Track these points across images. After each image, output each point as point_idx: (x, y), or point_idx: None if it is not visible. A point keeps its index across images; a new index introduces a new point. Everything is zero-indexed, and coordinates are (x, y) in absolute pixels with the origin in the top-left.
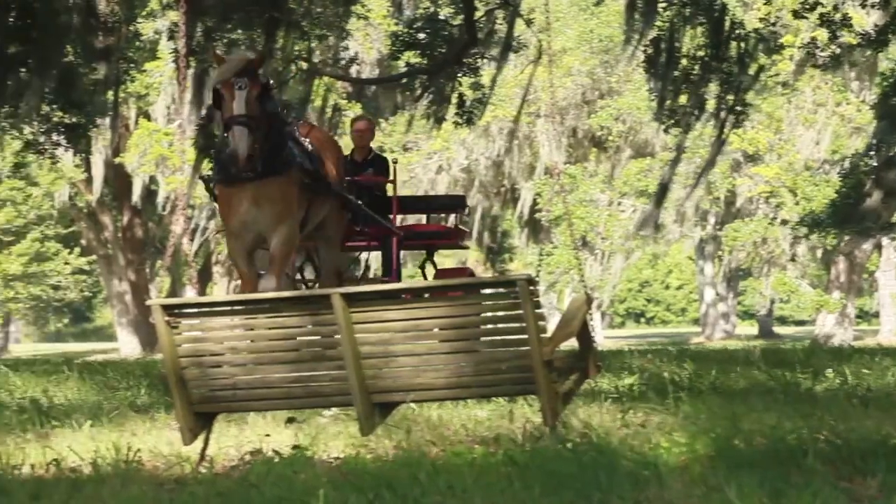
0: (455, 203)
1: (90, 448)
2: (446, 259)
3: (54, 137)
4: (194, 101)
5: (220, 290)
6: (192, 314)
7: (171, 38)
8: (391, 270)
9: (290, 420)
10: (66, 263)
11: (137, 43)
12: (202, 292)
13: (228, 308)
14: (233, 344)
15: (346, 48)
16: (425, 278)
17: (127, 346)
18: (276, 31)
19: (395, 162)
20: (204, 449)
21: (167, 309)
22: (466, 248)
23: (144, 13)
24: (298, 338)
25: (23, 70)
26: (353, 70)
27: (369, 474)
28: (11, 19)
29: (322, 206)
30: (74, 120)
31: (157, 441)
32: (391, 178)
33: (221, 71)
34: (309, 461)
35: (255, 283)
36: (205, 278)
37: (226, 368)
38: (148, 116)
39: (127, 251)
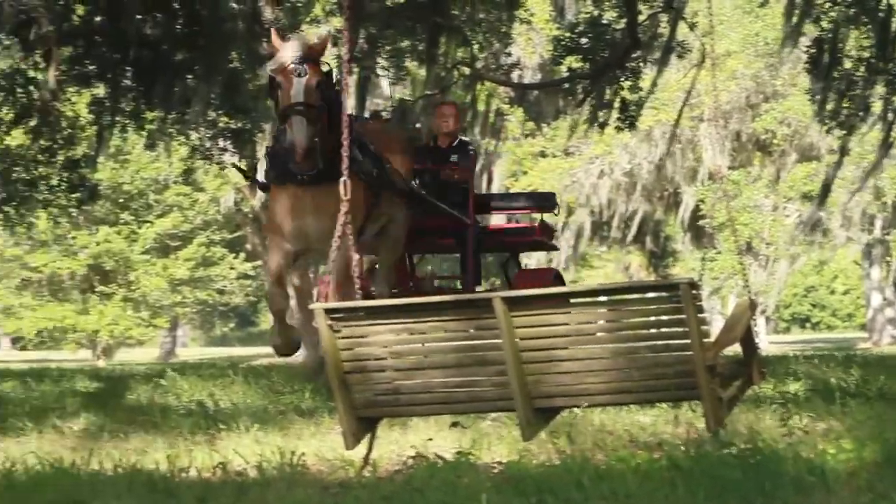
0: (543, 201)
1: (256, 451)
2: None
3: (220, 143)
4: (357, 107)
5: None
6: (354, 318)
7: (334, 44)
8: (467, 270)
9: (454, 424)
10: (232, 268)
11: None
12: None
13: (390, 312)
14: (395, 348)
15: (509, 53)
16: (507, 280)
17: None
18: (438, 36)
19: (471, 147)
20: (368, 453)
21: (330, 313)
22: (554, 248)
23: (308, 19)
24: (460, 342)
25: (190, 77)
26: (515, 75)
27: (532, 479)
28: (179, 27)
29: (384, 209)
30: (240, 125)
31: (322, 445)
32: (473, 167)
33: (279, 56)
34: (472, 465)
35: (282, 283)
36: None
37: (388, 373)
38: None
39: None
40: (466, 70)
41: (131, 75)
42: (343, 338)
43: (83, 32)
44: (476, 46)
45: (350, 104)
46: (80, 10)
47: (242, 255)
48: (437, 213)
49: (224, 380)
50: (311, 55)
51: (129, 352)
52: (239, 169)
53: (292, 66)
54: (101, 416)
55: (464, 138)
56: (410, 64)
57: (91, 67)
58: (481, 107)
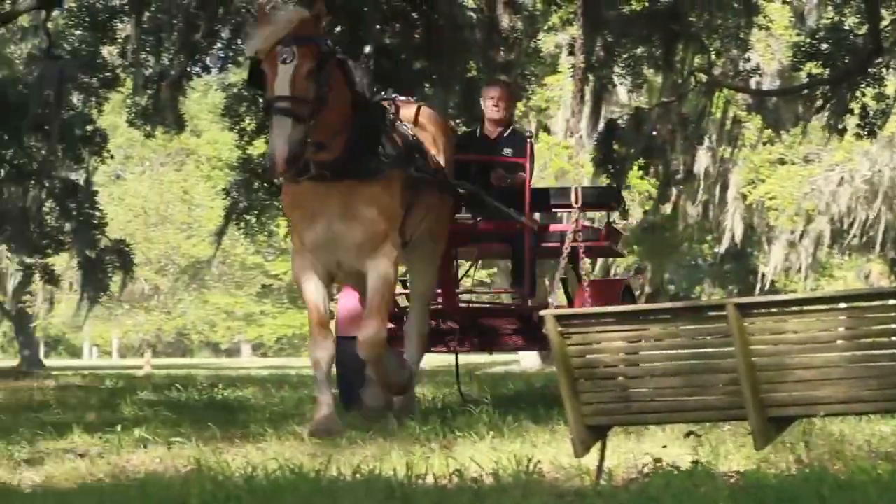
0: (606, 197)
1: (491, 458)
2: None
3: None
4: (592, 115)
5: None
6: (585, 324)
7: (570, 52)
8: (523, 278)
9: (689, 433)
10: (467, 275)
11: (538, 57)
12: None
13: (622, 318)
14: (625, 355)
15: (747, 59)
16: (566, 292)
17: (527, 358)
18: (675, 43)
19: (529, 136)
20: (601, 462)
21: (560, 319)
22: (620, 254)
23: (545, 28)
24: (691, 349)
25: (427, 85)
26: (753, 82)
27: (770, 489)
28: (417, 36)
29: (425, 210)
30: None
31: (558, 452)
32: (531, 164)
33: (262, 36)
34: (708, 474)
35: (325, 321)
36: None
37: (618, 380)
38: (548, 130)
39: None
40: (703, 77)
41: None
42: (573, 344)
43: None
44: (713, 53)
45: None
46: None
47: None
48: (488, 214)
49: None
50: (301, 34)
51: None
52: (252, 171)
53: (276, 49)
54: (344, 417)
55: (517, 126)
56: (647, 71)
57: None
58: (718, 114)
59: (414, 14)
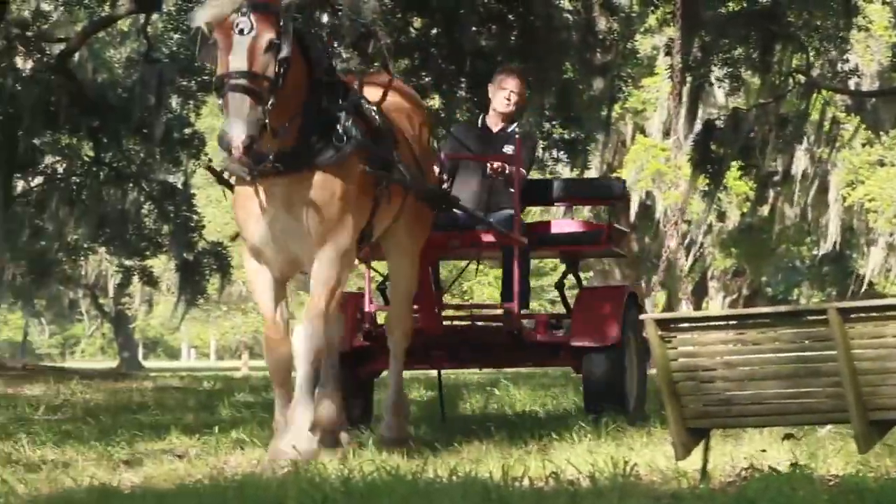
0: (608, 190)
1: (588, 461)
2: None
3: (554, 153)
4: (689, 116)
5: (716, 305)
6: (685, 328)
7: (667, 53)
8: (511, 293)
9: (788, 436)
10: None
11: (635, 59)
12: (697, 307)
13: (722, 322)
14: (726, 358)
15: (846, 60)
16: (564, 299)
17: None
18: (773, 44)
19: (518, 133)
20: (705, 464)
21: (660, 323)
22: (623, 255)
23: (642, 29)
24: (793, 353)
25: None
26: (852, 83)
27: (870, 492)
28: (513, 38)
29: (393, 206)
30: (573, 135)
31: (654, 455)
32: (528, 162)
33: (214, 3)
34: (807, 478)
35: (281, 329)
36: (700, 293)
37: (719, 383)
38: (644, 132)
39: (623, 266)
40: (802, 78)
41: (466, 86)
42: (673, 348)
43: (420, 45)
44: (811, 54)
45: (682, 113)
46: (417, 22)
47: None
48: (471, 225)
49: (556, 389)
50: (259, 1)
51: None
52: (209, 168)
53: (232, 16)
54: (434, 424)
55: (521, 125)
56: (745, 72)
57: (427, 79)
58: (815, 115)
59: (510, 16)
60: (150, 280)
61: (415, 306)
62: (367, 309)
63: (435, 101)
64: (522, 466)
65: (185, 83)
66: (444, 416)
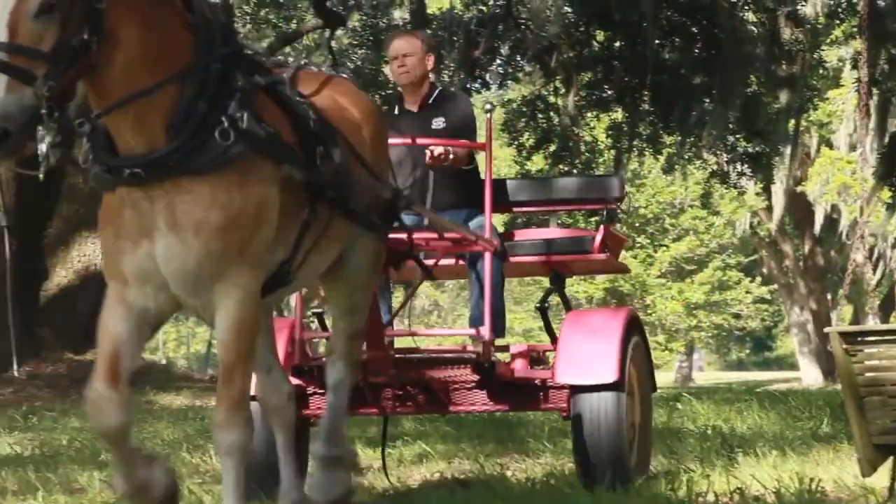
0: (601, 189)
1: (773, 477)
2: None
3: (738, 167)
4: (877, 129)
5: None
6: (871, 342)
7: (854, 66)
8: (481, 315)
9: None
10: (748, 292)
11: (821, 71)
12: (885, 321)
13: None
14: None
15: None
16: (548, 325)
17: (809, 375)
18: None
19: (489, 110)
20: (892, 482)
21: (845, 336)
22: (623, 269)
23: (828, 41)
24: None
25: (707, 100)
26: None
27: None
28: (697, 50)
29: (333, 230)
30: (758, 149)
31: (841, 472)
32: (478, 138)
33: None
34: None
35: (117, 375)
36: (888, 308)
37: None
38: (830, 145)
39: (808, 280)
40: None
41: (649, 99)
42: (859, 362)
43: (602, 58)
44: None
45: (869, 126)
46: (599, 36)
47: (759, 279)
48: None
49: (740, 404)
50: None
51: None
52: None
53: None
54: None
55: (445, 90)
56: None
57: (609, 92)
58: None
59: (694, 28)
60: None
61: None
62: (298, 336)
63: (618, 115)
64: (706, 482)
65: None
66: (387, 473)
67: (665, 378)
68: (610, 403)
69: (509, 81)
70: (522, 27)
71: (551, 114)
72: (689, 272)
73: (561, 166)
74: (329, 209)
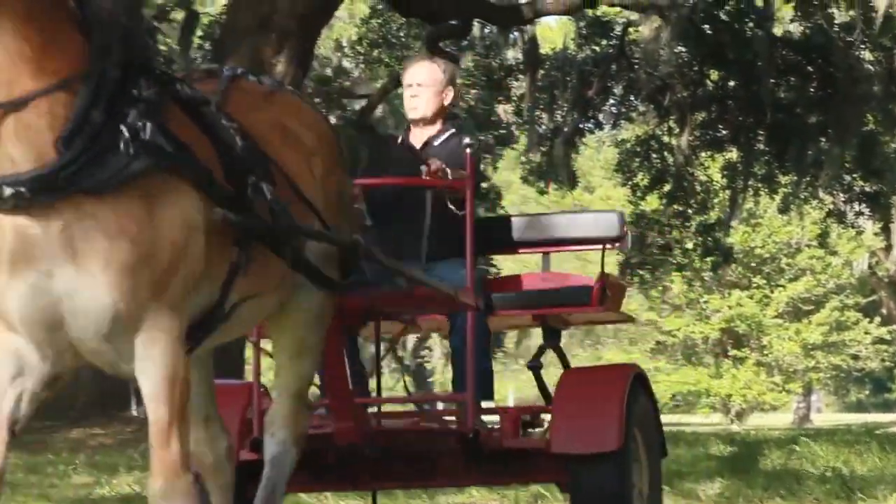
0: (598, 228)
1: None
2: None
3: (855, 206)
4: None
5: None
6: None
7: None
8: (463, 381)
9: None
10: (867, 333)
11: None
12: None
13: None
14: None
15: None
16: (542, 385)
17: None
18: None
19: (472, 145)
20: None
21: None
22: (629, 319)
23: None
24: None
25: (822, 139)
26: None
27: None
28: (812, 89)
29: (267, 278)
30: (875, 188)
31: None
32: (470, 179)
33: None
34: None
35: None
36: None
37: None
38: None
39: None
40: None
41: (764, 139)
42: None
43: (716, 97)
44: None
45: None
46: (713, 75)
47: (877, 319)
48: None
49: (860, 446)
50: None
51: (763, 416)
52: None
53: None
54: (735, 480)
55: (458, 127)
56: None
57: (724, 132)
58: None
59: (809, 67)
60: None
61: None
62: (255, 406)
63: (733, 154)
64: None
65: (482, 137)
66: None
67: (782, 419)
68: (613, 474)
69: (623, 121)
70: (636, 66)
71: (665, 153)
72: (806, 312)
73: (676, 206)
74: (266, 252)
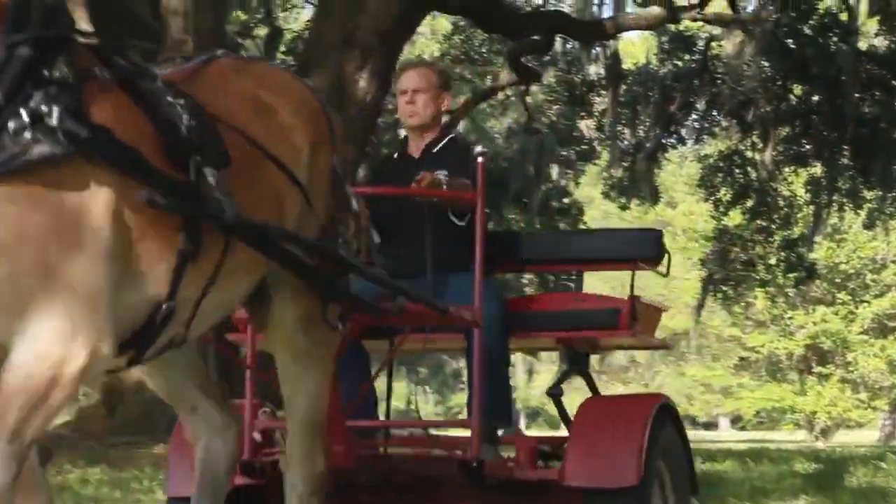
0: (634, 246)
1: None
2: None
3: None
4: None
5: None
6: None
7: None
8: (474, 403)
9: None
10: None
11: None
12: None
13: None
14: None
15: None
16: (562, 413)
17: None
18: None
19: (479, 155)
20: None
21: None
22: (662, 347)
23: None
24: None
25: None
26: None
27: None
28: None
29: (242, 261)
30: None
31: None
32: (480, 189)
33: None
34: None
35: None
36: None
37: None
38: None
39: None
40: None
41: (849, 154)
42: None
43: (800, 112)
44: None
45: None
46: (797, 90)
47: None
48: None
49: None
50: None
51: (848, 433)
52: None
53: None
54: (820, 497)
55: (458, 136)
56: None
57: (808, 147)
58: None
59: (894, 81)
60: (531, 349)
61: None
62: (247, 423)
63: (817, 169)
64: None
65: (564, 153)
66: None
67: (868, 436)
68: None
69: (705, 136)
70: (719, 81)
71: (748, 168)
72: (891, 329)
73: (759, 222)
74: (225, 237)
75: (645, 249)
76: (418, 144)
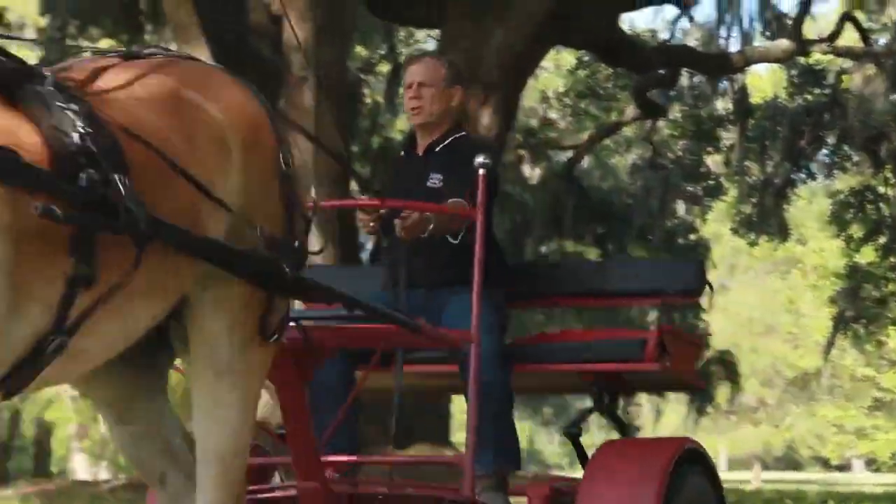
0: (671, 278)
1: None
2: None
3: None
4: None
5: None
6: None
7: None
8: (472, 445)
9: None
10: None
11: None
12: None
13: None
14: None
15: None
16: (581, 454)
17: None
18: None
19: (481, 167)
20: None
21: None
22: (697, 386)
23: None
24: None
25: None
26: None
27: None
28: None
29: (150, 279)
30: None
31: None
32: (483, 198)
33: None
34: None
35: None
36: None
37: None
38: None
39: None
40: None
41: None
42: None
43: None
44: None
45: None
46: None
47: None
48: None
49: None
50: None
51: None
52: None
53: None
54: None
55: (469, 135)
56: None
57: None
58: None
59: None
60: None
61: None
62: None
63: None
64: None
65: (690, 188)
66: None
67: None
68: None
69: (836, 171)
70: (849, 115)
71: (881, 204)
72: None
73: (892, 259)
74: (137, 253)
75: (681, 282)
76: (425, 142)
